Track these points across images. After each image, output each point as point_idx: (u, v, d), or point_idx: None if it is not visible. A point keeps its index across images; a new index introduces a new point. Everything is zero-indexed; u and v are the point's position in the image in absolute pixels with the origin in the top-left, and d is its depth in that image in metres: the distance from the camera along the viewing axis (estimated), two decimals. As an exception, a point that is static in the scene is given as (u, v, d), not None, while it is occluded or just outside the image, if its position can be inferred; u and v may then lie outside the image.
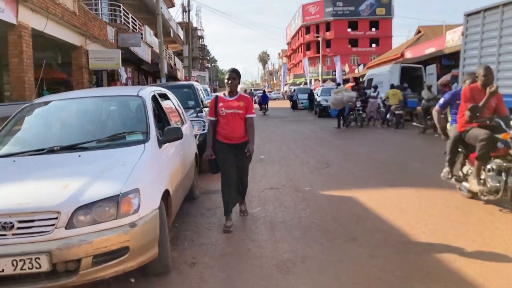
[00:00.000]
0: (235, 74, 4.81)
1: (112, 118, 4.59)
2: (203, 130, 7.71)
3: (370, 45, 71.11)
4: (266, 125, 19.37)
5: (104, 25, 17.03)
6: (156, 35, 33.83)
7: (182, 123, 5.94)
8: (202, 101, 8.95)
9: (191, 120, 7.47)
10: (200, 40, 73.10)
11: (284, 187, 6.75)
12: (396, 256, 3.85)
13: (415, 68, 20.67)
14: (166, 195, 3.78)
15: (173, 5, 42.16)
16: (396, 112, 16.10)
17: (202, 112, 8.27)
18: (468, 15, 11.20)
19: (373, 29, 70.90)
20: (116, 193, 3.11)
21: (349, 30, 70.55)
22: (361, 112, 16.88)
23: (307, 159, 9.38)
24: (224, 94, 4.91)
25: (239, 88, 5.03)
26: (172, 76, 36.31)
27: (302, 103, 31.87)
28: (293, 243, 4.27)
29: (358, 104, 16.82)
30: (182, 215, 5.24)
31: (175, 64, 39.16)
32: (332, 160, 9.15)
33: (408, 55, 35.80)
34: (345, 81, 46.38)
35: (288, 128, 17.20)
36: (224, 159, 4.78)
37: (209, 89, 16.30)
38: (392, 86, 16.86)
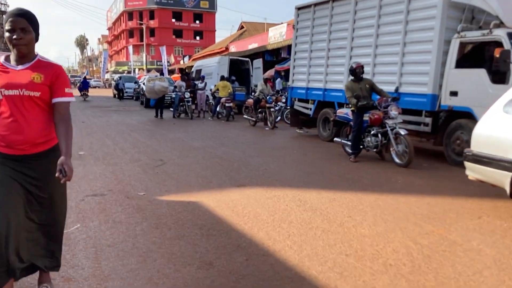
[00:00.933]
0: (25, 21, 2.40)
1: None
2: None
3: (195, 38, 71.52)
4: (86, 115, 17.08)
5: None
6: None
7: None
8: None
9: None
10: (3, 15, 63.16)
11: (111, 192, 5.39)
12: (266, 285, 3.01)
13: (243, 61, 20.79)
14: None
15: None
16: (227, 104, 15.77)
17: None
18: (299, 8, 11.27)
19: (197, 21, 71.40)
20: None
21: (173, 20, 69.59)
22: (190, 103, 16.09)
23: (138, 155, 8.07)
24: (6, 59, 2.52)
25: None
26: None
27: (127, 92, 29.75)
28: (128, 279, 3.08)
29: (187, 95, 16.00)
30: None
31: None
32: (167, 156, 8.03)
33: (233, 49, 36.65)
34: (171, 71, 45.39)
35: (113, 119, 15.37)
36: None
37: None
38: (222, 78, 16.48)
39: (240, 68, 20.57)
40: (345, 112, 8.45)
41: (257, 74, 20.11)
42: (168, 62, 49.41)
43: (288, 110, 14.26)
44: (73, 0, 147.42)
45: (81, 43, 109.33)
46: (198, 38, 71.66)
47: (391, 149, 7.59)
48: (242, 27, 43.91)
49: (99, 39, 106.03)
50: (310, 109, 10.87)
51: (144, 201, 5.01)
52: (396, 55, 8.38)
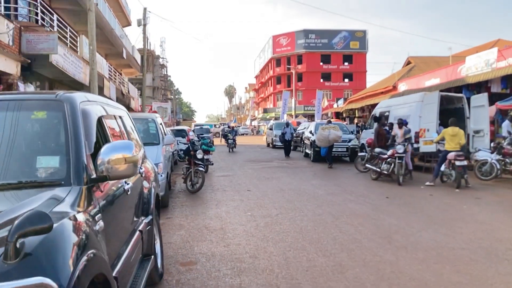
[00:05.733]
0: None
1: None
2: None
3: (343, 80, 67.18)
4: (247, 175, 12.91)
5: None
6: (106, 56, 27.40)
7: None
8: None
9: None
10: (163, 69, 66.90)
11: None
12: None
13: (453, 99, 14.96)
14: None
15: (129, 24, 35.90)
16: (458, 163, 10.09)
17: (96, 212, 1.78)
18: None
19: (347, 63, 67.20)
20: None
21: (321, 63, 66.51)
22: (402, 161, 10.74)
23: None
24: None
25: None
26: (123, 105, 29.31)
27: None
28: None
29: (401, 149, 10.68)
30: None
31: (128, 92, 32.46)
32: None
33: (403, 87, 30.94)
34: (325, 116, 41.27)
35: (286, 185, 10.78)
36: None
37: (158, 121, 9.74)
38: (453, 123, 10.82)
39: (448, 108, 14.76)
40: None
41: (479, 115, 14.02)
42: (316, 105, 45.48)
43: None
44: (224, 53, 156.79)
45: (230, 92, 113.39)
46: (347, 80, 67.26)
47: None
48: (409, 63, 37.93)
49: (246, 87, 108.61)
50: None
51: None
52: None
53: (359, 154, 14.66)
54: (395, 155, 10.72)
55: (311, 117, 50.75)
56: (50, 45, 12.03)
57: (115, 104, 4.06)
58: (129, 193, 3.13)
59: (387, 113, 16.29)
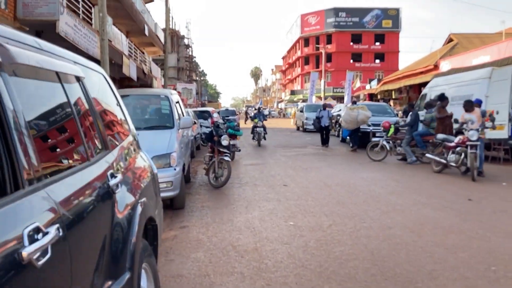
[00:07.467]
0: None
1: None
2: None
3: (374, 61, 63.94)
4: (279, 163, 10.92)
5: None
6: (128, 33, 25.63)
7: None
8: None
9: None
10: (188, 50, 64.98)
11: None
12: None
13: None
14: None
15: (151, 0, 33.91)
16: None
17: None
18: None
19: (378, 43, 63.83)
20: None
21: (351, 43, 63.41)
22: (477, 151, 8.55)
23: None
24: None
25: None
26: (145, 85, 27.71)
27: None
28: None
29: (475, 136, 8.49)
30: None
31: (150, 71, 30.76)
32: None
33: (446, 66, 28.14)
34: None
35: (329, 178, 8.76)
36: None
37: (173, 99, 7.78)
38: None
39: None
40: None
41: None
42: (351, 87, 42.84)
43: None
44: (249, 34, 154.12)
45: (256, 74, 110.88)
46: (378, 61, 63.99)
47: None
48: (450, 40, 34.90)
49: (272, 69, 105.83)
50: None
51: None
52: None
53: (372, 140, 12.57)
54: (467, 143, 8.55)
55: (340, 100, 48.26)
56: (51, 9, 10.22)
57: (64, 53, 2.11)
58: (41, 264, 1.20)
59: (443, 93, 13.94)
